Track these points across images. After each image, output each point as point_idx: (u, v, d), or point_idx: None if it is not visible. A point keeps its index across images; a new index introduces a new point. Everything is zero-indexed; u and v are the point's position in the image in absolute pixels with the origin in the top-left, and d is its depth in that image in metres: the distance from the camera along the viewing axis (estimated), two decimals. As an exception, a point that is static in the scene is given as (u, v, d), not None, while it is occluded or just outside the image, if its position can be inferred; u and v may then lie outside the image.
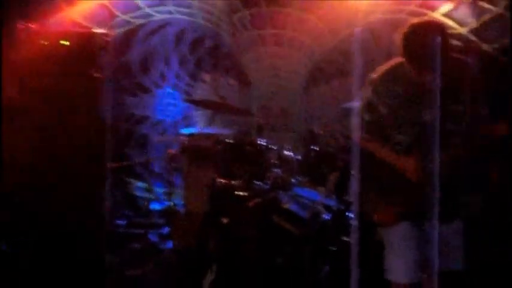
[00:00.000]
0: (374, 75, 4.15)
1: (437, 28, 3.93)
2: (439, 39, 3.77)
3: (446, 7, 7.14)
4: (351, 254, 4.25)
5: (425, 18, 4.13)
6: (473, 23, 6.85)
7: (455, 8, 7.06)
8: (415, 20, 4.00)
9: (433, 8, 7.24)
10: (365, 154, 4.13)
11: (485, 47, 6.90)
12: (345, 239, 5.62)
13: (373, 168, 4.22)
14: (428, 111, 3.96)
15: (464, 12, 6.95)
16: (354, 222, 4.33)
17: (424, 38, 3.82)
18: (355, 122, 4.33)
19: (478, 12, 6.83)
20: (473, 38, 6.91)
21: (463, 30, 7.02)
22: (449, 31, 6.24)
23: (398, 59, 4.05)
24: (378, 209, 4.25)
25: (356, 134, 4.28)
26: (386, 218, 4.22)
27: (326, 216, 5.71)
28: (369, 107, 4.13)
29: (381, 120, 4.12)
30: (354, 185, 4.21)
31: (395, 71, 4.05)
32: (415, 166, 4.06)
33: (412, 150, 4.07)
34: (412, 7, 7.35)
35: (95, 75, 6.35)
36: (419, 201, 3.97)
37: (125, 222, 7.26)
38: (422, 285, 4.26)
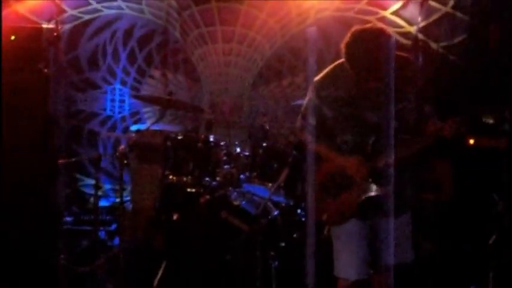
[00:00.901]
0: (316, 79, 4.25)
1: (378, 34, 4.00)
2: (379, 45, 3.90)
3: (395, 6, 7.21)
4: (306, 249, 4.29)
5: (367, 25, 4.13)
6: (422, 21, 6.92)
7: (404, 7, 7.14)
8: (356, 28, 4.04)
9: (382, 7, 7.31)
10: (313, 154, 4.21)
11: (433, 45, 6.98)
12: (294, 235, 5.66)
13: (321, 168, 4.31)
14: (371, 111, 4.07)
15: (413, 11, 7.03)
16: (306, 218, 4.35)
17: (364, 46, 3.91)
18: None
19: (427, 11, 6.89)
20: (421, 36, 6.98)
21: (411, 29, 7.09)
22: (395, 32, 6.26)
23: (339, 62, 4.14)
24: (327, 207, 4.31)
25: (306, 132, 4.32)
26: (335, 216, 4.27)
27: (275, 212, 5.71)
28: (313, 109, 4.22)
29: (326, 122, 4.20)
30: (306, 182, 4.24)
31: (337, 74, 4.14)
32: (358, 165, 4.12)
33: (357, 149, 4.14)
34: (362, 5, 7.41)
35: (44, 70, 6.30)
36: (365, 198, 4.04)
37: (73, 219, 7.19)
38: (372, 282, 4.34)
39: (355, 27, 4.03)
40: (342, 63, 4.08)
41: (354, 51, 3.95)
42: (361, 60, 3.93)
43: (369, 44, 3.90)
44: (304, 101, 4.39)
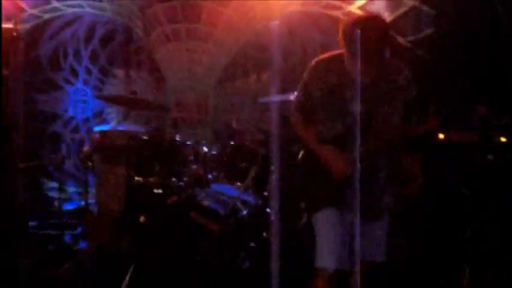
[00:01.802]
0: (314, 60, 4.25)
1: (380, 24, 4.05)
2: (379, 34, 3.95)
3: (361, 0, 7.17)
4: (271, 249, 4.24)
5: (370, 13, 4.24)
6: (388, 16, 6.89)
7: (370, 1, 7.09)
8: (360, 15, 4.08)
9: (348, 1, 7.27)
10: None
11: (400, 40, 6.95)
12: (264, 234, 5.60)
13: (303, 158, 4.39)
14: (356, 104, 4.02)
15: (379, 5, 6.99)
16: (273, 217, 4.32)
17: (365, 33, 3.87)
18: (273, 116, 4.35)
19: (393, 5, 6.87)
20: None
21: (377, 24, 7.06)
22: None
23: (339, 51, 4.12)
24: (306, 194, 4.40)
25: (274, 128, 4.31)
26: (313, 202, 4.30)
27: (244, 211, 5.66)
28: (304, 88, 4.26)
29: (313, 103, 4.24)
30: (273, 180, 4.21)
31: (336, 60, 4.13)
32: (336, 159, 4.13)
33: (338, 138, 4.14)
34: (328, 0, 7.37)
35: (3, 72, 6.16)
36: (343, 188, 4.02)
37: (38, 223, 7.08)
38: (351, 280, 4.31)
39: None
40: (340, 53, 4.09)
41: (352, 34, 3.90)
42: (358, 44, 3.89)
43: (370, 31, 3.92)
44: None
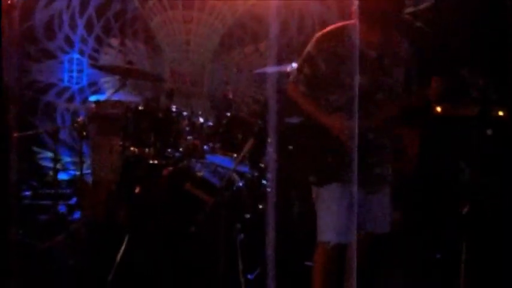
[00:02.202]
0: (320, 33, 4.30)
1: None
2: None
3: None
4: (267, 220, 4.24)
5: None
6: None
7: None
8: None
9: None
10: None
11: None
12: (260, 206, 5.59)
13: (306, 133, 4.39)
14: (364, 77, 4.11)
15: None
16: (270, 189, 4.33)
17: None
18: (269, 87, 4.34)
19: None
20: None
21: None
22: None
23: (346, 22, 4.21)
24: (308, 170, 4.37)
25: (271, 99, 4.31)
26: (319, 177, 4.30)
27: (240, 183, 5.64)
28: (310, 60, 4.27)
29: (318, 76, 4.25)
30: (270, 152, 4.20)
31: (341, 32, 4.19)
32: (341, 124, 4.15)
33: (341, 110, 4.17)
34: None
35: (-3, 41, 6.10)
36: (346, 163, 4.05)
37: (32, 193, 7.06)
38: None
39: None
40: (348, 25, 4.17)
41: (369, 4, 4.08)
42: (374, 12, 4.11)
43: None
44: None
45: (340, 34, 4.17)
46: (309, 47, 4.30)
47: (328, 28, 4.28)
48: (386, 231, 4.38)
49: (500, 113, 5.60)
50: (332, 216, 4.23)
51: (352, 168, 4.04)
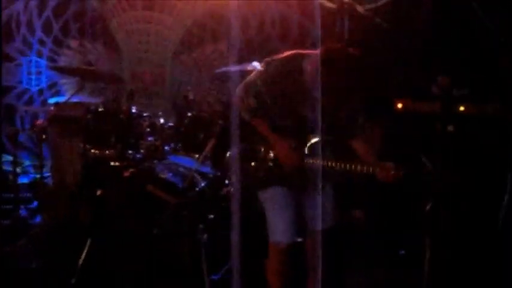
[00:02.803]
0: (266, 64, 4.28)
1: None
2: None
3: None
4: (231, 221, 4.25)
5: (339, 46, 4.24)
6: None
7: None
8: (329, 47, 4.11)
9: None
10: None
11: (359, 8, 6.90)
12: (223, 205, 5.59)
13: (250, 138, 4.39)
14: (306, 106, 4.13)
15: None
16: (233, 189, 4.35)
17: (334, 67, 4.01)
18: (231, 86, 4.33)
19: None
20: (347, -1, 6.92)
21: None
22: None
23: (292, 54, 4.22)
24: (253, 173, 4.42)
25: (235, 98, 4.33)
26: (260, 181, 4.36)
27: (202, 183, 5.63)
28: (255, 92, 4.25)
29: (264, 107, 4.25)
30: (233, 151, 4.21)
31: (287, 65, 4.19)
32: (289, 151, 4.22)
33: (288, 134, 4.23)
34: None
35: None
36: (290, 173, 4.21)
37: (-8, 197, 7.00)
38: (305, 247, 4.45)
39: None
40: (294, 57, 4.19)
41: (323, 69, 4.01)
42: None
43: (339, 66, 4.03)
44: (251, 76, 4.37)
45: (288, 66, 4.18)
46: (255, 78, 4.30)
47: (276, 57, 4.27)
48: (328, 226, 4.37)
49: (461, 108, 5.67)
50: (279, 217, 4.28)
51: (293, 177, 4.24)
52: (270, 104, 4.23)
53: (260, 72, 4.31)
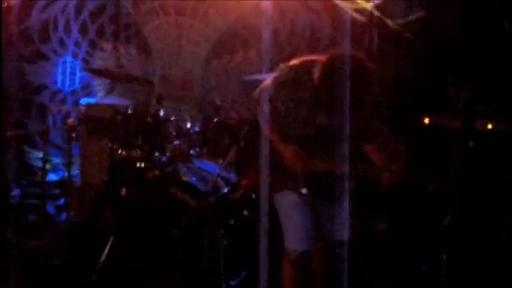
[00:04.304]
0: (280, 70, 4.23)
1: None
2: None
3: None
4: (260, 227, 4.30)
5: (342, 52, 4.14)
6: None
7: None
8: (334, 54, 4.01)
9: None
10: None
11: (389, 22, 6.93)
12: (245, 213, 5.63)
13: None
14: (322, 115, 4.08)
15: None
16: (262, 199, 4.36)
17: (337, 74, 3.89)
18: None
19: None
20: (377, 13, 6.93)
21: (367, 5, 7.02)
22: (349, 8, 6.17)
23: (304, 60, 4.15)
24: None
25: (261, 108, 4.35)
26: (274, 184, 4.31)
27: (225, 189, 5.68)
28: (269, 99, 4.23)
29: (277, 113, 4.22)
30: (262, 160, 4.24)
31: (303, 72, 4.09)
32: (296, 158, 4.18)
33: (303, 141, 4.19)
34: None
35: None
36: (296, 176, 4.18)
37: (21, 192, 7.10)
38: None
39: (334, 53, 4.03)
40: (308, 61, 4.10)
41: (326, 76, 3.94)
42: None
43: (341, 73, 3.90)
44: (266, 81, 4.37)
45: (304, 74, 4.09)
46: (271, 86, 4.27)
47: (288, 68, 4.20)
48: (345, 239, 4.32)
49: (489, 126, 5.67)
50: (293, 223, 4.27)
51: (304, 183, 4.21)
52: (282, 109, 4.20)
53: (274, 77, 4.27)
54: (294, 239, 4.27)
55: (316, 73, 3.97)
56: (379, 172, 4.06)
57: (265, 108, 4.31)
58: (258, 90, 4.39)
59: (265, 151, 4.31)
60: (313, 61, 4.07)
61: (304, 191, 4.21)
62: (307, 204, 4.27)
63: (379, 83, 4.07)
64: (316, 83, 3.97)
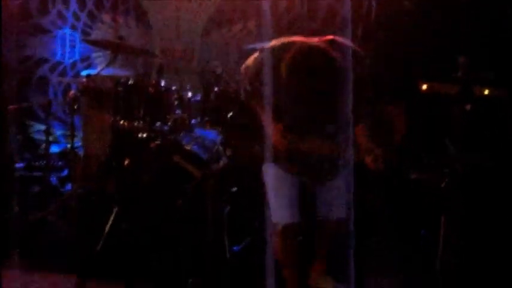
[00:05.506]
0: (260, 51, 4.24)
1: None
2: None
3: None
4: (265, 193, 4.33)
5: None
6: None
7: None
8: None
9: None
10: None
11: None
12: (246, 180, 5.67)
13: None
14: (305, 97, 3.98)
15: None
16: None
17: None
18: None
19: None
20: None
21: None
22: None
23: (281, 42, 4.06)
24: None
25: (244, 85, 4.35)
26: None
27: (226, 157, 5.72)
28: (249, 79, 4.25)
29: (259, 93, 4.16)
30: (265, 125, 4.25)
31: (274, 54, 4.01)
32: (279, 136, 4.12)
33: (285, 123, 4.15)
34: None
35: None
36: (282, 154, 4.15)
37: (25, 165, 7.15)
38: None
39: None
40: (286, 45, 4.01)
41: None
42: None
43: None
44: (248, 60, 4.36)
45: (273, 53, 4.01)
46: (250, 62, 4.28)
47: (268, 46, 4.13)
48: (342, 217, 4.31)
49: (486, 92, 5.71)
50: (276, 197, 4.30)
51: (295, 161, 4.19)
52: (262, 90, 4.08)
53: (254, 58, 4.28)
54: (275, 213, 4.30)
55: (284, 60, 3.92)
56: (362, 155, 4.01)
57: (247, 86, 4.30)
58: (243, 66, 4.38)
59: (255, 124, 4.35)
60: (292, 43, 3.99)
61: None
62: (293, 180, 4.27)
63: (364, 68, 4.04)
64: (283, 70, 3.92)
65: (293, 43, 3.99)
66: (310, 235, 4.54)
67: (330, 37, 4.04)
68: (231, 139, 5.58)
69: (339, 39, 4.05)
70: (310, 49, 3.93)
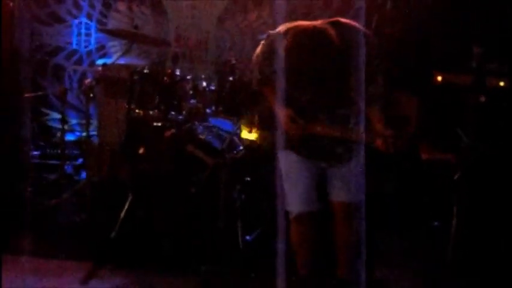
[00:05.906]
0: (267, 37, 4.27)
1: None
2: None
3: None
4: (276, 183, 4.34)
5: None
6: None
7: None
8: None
9: None
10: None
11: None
12: (260, 170, 5.68)
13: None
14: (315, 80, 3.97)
15: None
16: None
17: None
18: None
19: None
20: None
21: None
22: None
23: (285, 27, 4.07)
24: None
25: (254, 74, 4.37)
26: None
27: (240, 146, 5.74)
28: (259, 66, 4.29)
29: (269, 79, 4.23)
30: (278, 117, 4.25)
31: (278, 40, 4.04)
32: (288, 120, 4.12)
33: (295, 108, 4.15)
34: None
35: (8, 4, 6.24)
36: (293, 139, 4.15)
37: (40, 153, 7.19)
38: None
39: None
40: (287, 30, 4.04)
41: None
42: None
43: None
44: (258, 48, 4.38)
45: (278, 39, 4.05)
46: (258, 50, 4.30)
47: (274, 32, 4.18)
48: (356, 200, 4.23)
49: (501, 84, 5.70)
50: (290, 186, 4.28)
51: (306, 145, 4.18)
52: (272, 76, 4.15)
53: (262, 45, 4.30)
54: (290, 201, 4.29)
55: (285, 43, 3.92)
56: (374, 137, 3.97)
57: (256, 73, 4.34)
58: (254, 54, 4.39)
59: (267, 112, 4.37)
60: (295, 26, 4.00)
61: None
62: (307, 165, 4.24)
63: (374, 49, 4.02)
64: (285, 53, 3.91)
65: (295, 26, 4.01)
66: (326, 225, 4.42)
67: (335, 19, 4.06)
68: (249, 128, 5.56)
69: (345, 20, 4.06)
70: (307, 29, 3.92)
